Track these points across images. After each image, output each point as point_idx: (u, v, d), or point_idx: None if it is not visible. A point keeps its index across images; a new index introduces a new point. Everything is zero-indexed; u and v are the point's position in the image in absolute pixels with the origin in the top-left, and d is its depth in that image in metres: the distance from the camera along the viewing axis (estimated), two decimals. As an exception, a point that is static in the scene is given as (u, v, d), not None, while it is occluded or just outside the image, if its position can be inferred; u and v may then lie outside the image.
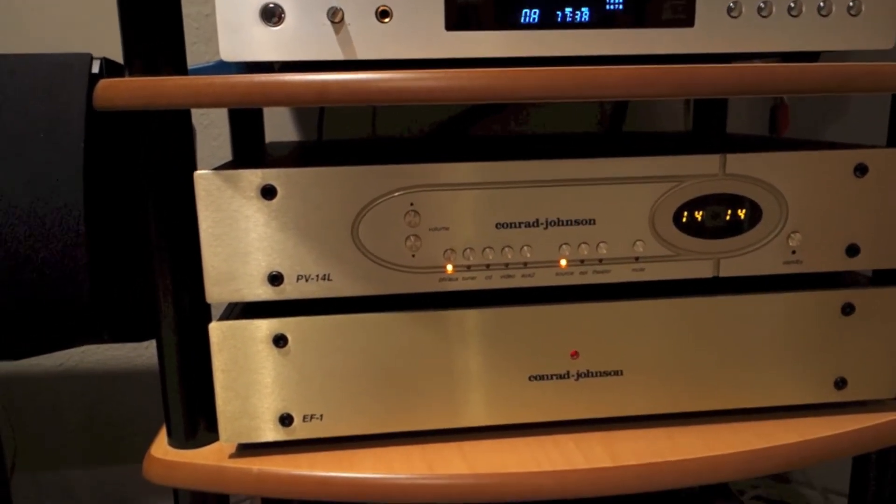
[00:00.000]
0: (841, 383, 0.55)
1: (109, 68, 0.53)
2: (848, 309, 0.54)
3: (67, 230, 0.50)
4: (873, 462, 0.59)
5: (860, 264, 0.54)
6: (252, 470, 0.49)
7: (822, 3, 0.49)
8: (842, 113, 0.94)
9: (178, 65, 0.47)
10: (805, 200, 0.52)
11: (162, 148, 0.48)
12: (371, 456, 0.51)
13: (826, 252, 0.53)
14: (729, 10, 0.49)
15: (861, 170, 0.52)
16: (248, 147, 0.77)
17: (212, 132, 0.87)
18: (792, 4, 0.49)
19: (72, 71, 0.51)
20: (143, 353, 0.91)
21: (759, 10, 0.49)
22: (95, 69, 0.51)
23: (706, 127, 0.88)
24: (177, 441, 0.52)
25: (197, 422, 0.52)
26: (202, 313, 0.51)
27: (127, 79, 0.45)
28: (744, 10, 0.49)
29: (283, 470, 0.49)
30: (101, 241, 0.52)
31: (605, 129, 0.91)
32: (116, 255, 0.55)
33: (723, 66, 0.47)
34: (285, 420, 0.50)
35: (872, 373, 0.55)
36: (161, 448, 0.52)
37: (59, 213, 0.50)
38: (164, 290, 0.49)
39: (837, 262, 0.54)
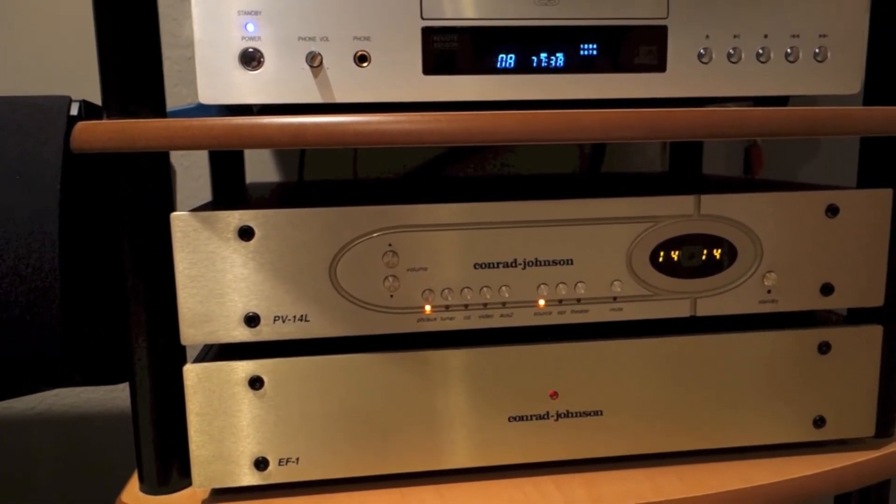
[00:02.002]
0: (820, 422, 0.55)
1: (88, 111, 0.53)
2: (824, 347, 0.55)
3: (41, 271, 0.50)
4: (854, 501, 0.59)
5: (835, 303, 0.55)
6: (226, 516, 0.48)
7: (789, 50, 0.50)
8: (813, 154, 0.96)
9: (156, 107, 0.47)
10: (779, 240, 0.53)
11: (139, 189, 0.48)
12: (348, 500, 0.50)
13: (801, 291, 0.54)
14: (699, 56, 0.50)
15: (832, 210, 0.53)
16: (229, 188, 0.77)
17: (192, 173, 0.87)
18: (760, 51, 0.50)
19: (50, 113, 0.51)
20: (118, 396, 0.89)
21: (729, 56, 0.50)
22: (74, 111, 0.52)
23: (682, 168, 0.89)
24: (149, 486, 0.51)
25: (170, 466, 0.51)
26: (177, 355, 0.50)
27: (104, 121, 0.45)
28: (714, 56, 0.50)
29: (258, 516, 0.48)
30: (74, 283, 0.52)
31: (584, 170, 0.93)
32: (90, 296, 0.54)
33: (695, 109, 0.48)
34: (260, 464, 0.50)
35: (851, 411, 0.56)
36: (132, 494, 0.51)
37: (32, 254, 0.50)
38: (138, 332, 0.49)
39: (812, 301, 0.54)
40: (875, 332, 0.55)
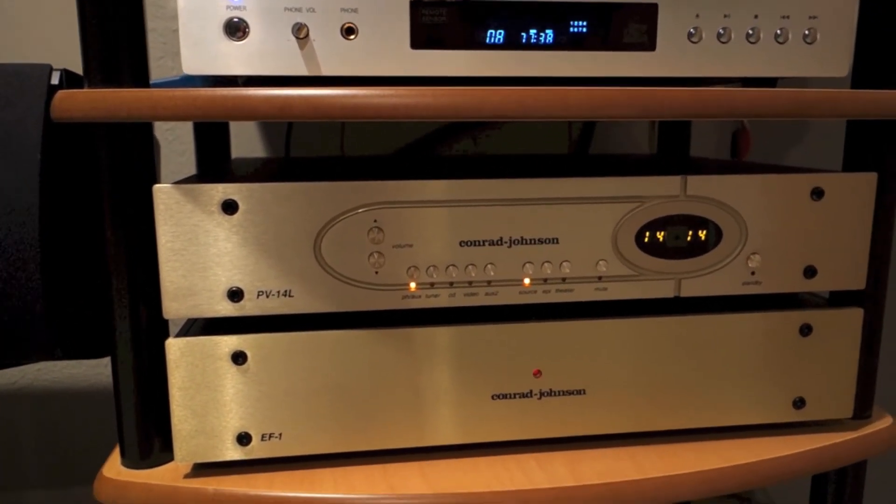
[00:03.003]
0: (799, 403, 0.56)
1: (70, 80, 0.52)
2: (806, 330, 0.55)
3: (21, 243, 0.49)
4: (832, 481, 0.60)
5: (817, 286, 0.55)
6: (208, 490, 0.48)
7: (779, 31, 0.50)
8: (801, 137, 0.96)
9: (139, 77, 0.46)
10: (764, 222, 0.53)
11: (122, 161, 0.47)
12: (331, 475, 0.50)
13: (784, 273, 0.54)
14: (689, 35, 0.50)
15: (817, 193, 0.53)
16: (214, 162, 0.76)
17: (177, 147, 0.86)
18: (750, 31, 0.50)
19: (30, 81, 0.50)
20: (101, 371, 0.89)
21: (719, 35, 0.50)
22: (55, 80, 0.51)
23: (670, 151, 0.89)
24: (130, 461, 0.51)
25: (152, 441, 0.51)
26: (159, 329, 0.50)
27: (85, 90, 0.45)
28: (704, 35, 0.50)
29: (240, 490, 0.48)
30: (56, 255, 0.51)
31: (573, 151, 0.92)
32: (72, 268, 0.53)
33: (682, 89, 0.48)
34: (243, 439, 0.49)
35: (830, 393, 0.56)
36: (114, 468, 0.51)
37: (12, 226, 0.49)
38: (120, 306, 0.48)
39: (795, 284, 0.55)
40: (856, 315, 0.56)
